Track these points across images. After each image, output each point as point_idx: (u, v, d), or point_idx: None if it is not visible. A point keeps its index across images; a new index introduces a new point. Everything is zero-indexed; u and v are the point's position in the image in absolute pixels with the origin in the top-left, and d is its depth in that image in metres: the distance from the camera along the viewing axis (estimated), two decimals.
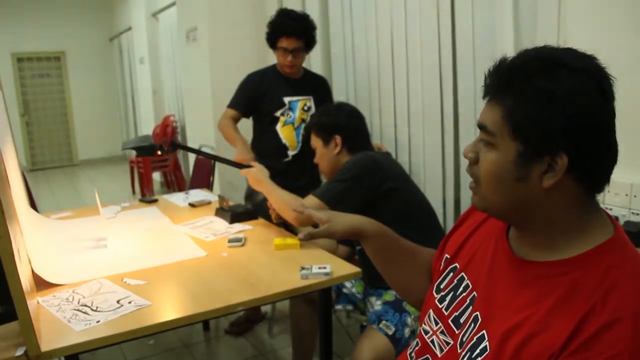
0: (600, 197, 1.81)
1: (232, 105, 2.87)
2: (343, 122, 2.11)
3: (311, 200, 1.96)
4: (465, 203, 2.67)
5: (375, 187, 1.96)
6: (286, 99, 2.79)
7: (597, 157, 0.83)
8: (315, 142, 2.16)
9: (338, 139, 2.09)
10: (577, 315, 0.78)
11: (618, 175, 1.80)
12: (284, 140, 2.80)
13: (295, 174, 2.77)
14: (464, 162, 2.78)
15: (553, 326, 0.80)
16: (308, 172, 2.83)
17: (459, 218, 1.17)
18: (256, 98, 2.81)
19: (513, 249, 0.94)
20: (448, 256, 1.12)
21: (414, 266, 1.26)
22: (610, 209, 1.78)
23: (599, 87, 0.81)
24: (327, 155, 2.13)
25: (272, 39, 2.71)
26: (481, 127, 0.88)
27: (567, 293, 0.81)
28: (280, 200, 2.04)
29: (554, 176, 0.82)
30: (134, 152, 2.37)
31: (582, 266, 0.83)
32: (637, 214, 1.70)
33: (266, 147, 2.84)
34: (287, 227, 2.31)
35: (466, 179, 2.62)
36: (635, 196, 1.71)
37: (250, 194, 2.86)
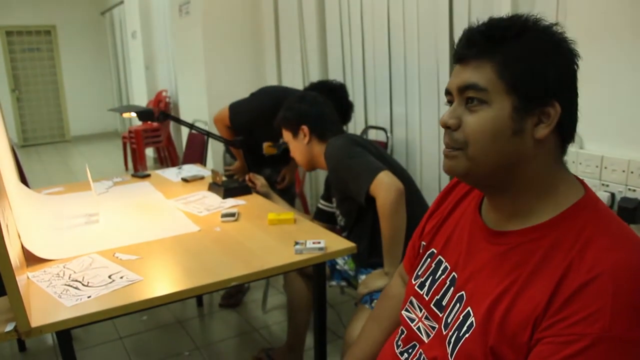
0: (597, 174, 1.80)
1: (232, 117, 2.73)
2: (306, 112, 2.12)
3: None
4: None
5: None
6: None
7: (575, 107, 0.88)
8: (287, 136, 2.19)
9: (305, 129, 2.11)
10: (555, 276, 0.80)
11: (615, 151, 1.78)
12: (264, 151, 2.76)
13: (269, 162, 2.89)
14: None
15: (534, 290, 0.82)
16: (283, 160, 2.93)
17: (431, 205, 1.17)
18: (256, 128, 2.68)
19: (488, 224, 0.95)
20: (424, 243, 1.12)
21: (395, 309, 1.21)
22: (607, 185, 1.77)
23: (568, 43, 0.87)
24: (299, 147, 2.15)
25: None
26: (468, 87, 0.87)
27: (545, 256, 0.83)
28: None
29: (548, 126, 0.85)
30: (126, 127, 2.45)
31: (557, 228, 0.84)
32: (634, 190, 1.69)
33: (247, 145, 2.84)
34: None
35: None
36: (632, 172, 1.70)
37: (231, 174, 2.90)
